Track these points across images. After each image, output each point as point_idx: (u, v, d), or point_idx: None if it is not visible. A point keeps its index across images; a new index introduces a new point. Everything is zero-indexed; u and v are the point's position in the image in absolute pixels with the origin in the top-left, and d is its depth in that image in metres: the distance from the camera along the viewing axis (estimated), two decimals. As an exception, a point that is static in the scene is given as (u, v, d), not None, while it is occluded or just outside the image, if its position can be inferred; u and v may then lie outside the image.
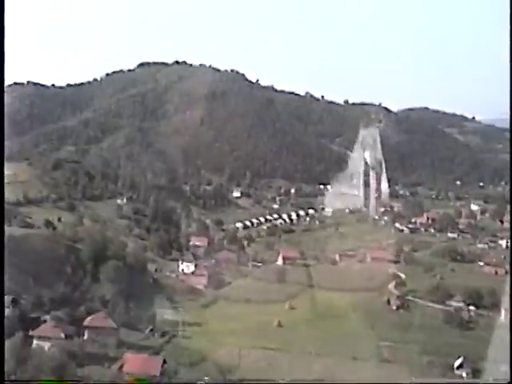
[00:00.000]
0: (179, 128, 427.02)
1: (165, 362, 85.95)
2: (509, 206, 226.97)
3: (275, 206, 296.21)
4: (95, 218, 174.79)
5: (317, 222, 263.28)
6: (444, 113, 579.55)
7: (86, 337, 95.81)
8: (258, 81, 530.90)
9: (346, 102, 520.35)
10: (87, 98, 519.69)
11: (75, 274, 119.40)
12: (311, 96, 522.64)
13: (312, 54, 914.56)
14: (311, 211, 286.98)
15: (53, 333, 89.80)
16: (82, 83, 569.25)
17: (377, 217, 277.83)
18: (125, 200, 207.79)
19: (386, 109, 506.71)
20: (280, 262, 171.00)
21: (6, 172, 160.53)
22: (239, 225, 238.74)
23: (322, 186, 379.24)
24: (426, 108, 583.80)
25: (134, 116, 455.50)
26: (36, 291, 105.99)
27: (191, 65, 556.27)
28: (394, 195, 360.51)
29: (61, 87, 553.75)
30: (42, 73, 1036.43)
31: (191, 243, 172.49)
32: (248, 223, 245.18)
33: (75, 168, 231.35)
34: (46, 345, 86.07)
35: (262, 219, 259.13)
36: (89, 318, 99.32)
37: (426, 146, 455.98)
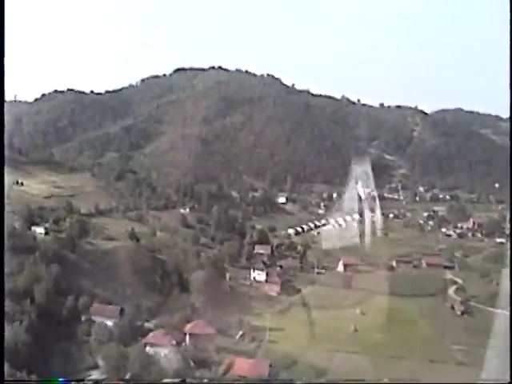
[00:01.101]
0: (219, 133, 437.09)
1: (270, 365, 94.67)
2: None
3: (320, 212, 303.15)
4: (164, 228, 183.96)
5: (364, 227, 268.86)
6: (478, 113, 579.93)
7: (187, 343, 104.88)
8: (293, 85, 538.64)
9: (382, 104, 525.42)
10: (126, 104, 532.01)
11: (164, 284, 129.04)
12: (347, 99, 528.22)
13: (346, 56, 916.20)
14: (356, 216, 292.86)
15: (164, 340, 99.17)
16: (120, 89, 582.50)
17: (422, 222, 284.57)
18: (187, 209, 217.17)
19: (421, 112, 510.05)
20: (340, 268, 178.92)
21: (73, 183, 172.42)
22: (291, 231, 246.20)
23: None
24: (460, 109, 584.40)
25: (175, 122, 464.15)
26: (135, 301, 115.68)
27: (227, 70, 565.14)
28: (434, 199, 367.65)
29: (99, 93, 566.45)
30: (77, 79, 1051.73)
31: (255, 251, 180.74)
32: (299, 229, 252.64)
33: (138, 178, 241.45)
34: (162, 351, 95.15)
35: (312, 225, 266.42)
36: (189, 325, 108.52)
37: (462, 149, 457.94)
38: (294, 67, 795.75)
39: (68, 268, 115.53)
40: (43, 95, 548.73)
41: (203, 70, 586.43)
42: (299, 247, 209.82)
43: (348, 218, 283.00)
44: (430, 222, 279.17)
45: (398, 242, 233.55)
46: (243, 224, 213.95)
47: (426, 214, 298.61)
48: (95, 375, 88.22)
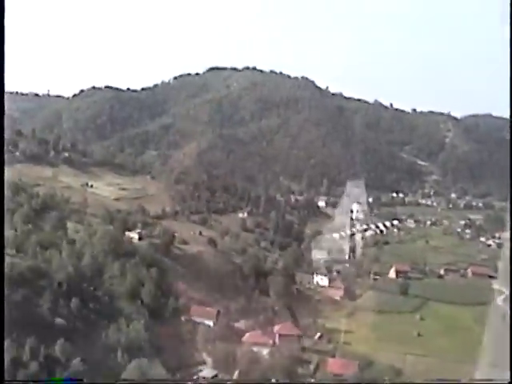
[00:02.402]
0: (256, 135, 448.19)
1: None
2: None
3: (360, 217, 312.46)
4: (227, 232, 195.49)
5: (404, 234, 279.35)
6: (508, 119, 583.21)
7: (277, 343, 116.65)
8: (327, 88, 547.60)
9: (414, 110, 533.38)
10: (162, 102, 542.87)
11: (245, 287, 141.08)
12: (380, 104, 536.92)
13: (378, 60, 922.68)
14: (396, 222, 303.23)
15: (262, 339, 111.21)
16: (154, 86, 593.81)
17: (459, 230, 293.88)
18: (246, 214, 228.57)
19: (453, 118, 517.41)
20: (392, 275, 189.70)
21: (135, 185, 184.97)
22: (336, 235, 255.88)
23: (394, 195, 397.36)
24: (490, 115, 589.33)
25: (212, 122, 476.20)
26: (225, 303, 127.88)
27: (262, 71, 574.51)
28: (468, 206, 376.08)
29: (135, 90, 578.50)
30: (110, 75, 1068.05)
31: (313, 256, 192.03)
32: (343, 234, 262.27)
33: (197, 182, 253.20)
34: (261, 350, 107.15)
35: (354, 230, 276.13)
36: (278, 327, 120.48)
37: (494, 155, 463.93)
38: (326, 70, 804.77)
39: (165, 272, 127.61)
40: (82, 91, 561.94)
41: (237, 69, 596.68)
42: (347, 251, 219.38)
43: (388, 223, 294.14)
44: (467, 231, 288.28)
45: (439, 249, 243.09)
46: (299, 229, 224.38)
47: (462, 223, 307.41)
48: (206, 371, 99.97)
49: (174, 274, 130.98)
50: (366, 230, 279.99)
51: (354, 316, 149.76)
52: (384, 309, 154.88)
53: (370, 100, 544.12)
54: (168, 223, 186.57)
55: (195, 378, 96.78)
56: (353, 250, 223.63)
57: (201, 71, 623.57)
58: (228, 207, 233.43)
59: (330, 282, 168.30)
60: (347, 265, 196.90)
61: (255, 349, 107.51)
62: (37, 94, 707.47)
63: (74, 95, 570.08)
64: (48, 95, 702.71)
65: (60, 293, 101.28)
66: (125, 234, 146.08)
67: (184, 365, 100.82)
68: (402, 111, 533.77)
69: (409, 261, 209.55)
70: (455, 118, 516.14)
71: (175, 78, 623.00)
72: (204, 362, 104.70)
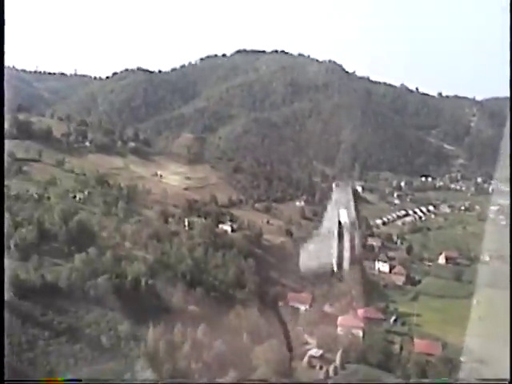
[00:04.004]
0: (289, 119, 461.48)
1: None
2: None
3: (396, 202, 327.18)
4: (290, 220, 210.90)
5: (442, 220, 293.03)
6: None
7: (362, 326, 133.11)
8: (354, 72, 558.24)
9: (440, 94, 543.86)
10: (192, 84, 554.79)
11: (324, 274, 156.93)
12: (406, 88, 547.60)
13: (404, 44, 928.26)
14: (431, 208, 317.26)
15: (354, 323, 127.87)
16: (182, 66, 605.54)
17: (492, 216, 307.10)
18: (303, 202, 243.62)
19: (478, 102, 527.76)
20: (442, 261, 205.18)
21: (198, 174, 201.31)
22: (379, 221, 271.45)
23: (423, 179, 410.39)
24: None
25: (244, 105, 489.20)
26: (311, 289, 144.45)
27: (290, 54, 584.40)
28: (495, 191, 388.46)
29: (165, 72, 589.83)
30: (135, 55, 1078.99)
31: (368, 243, 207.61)
32: (385, 219, 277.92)
33: (255, 171, 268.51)
34: (357, 332, 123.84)
35: (394, 215, 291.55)
36: (362, 311, 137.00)
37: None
38: (352, 53, 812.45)
39: (259, 262, 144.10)
40: (115, 73, 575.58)
41: (265, 52, 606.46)
42: (394, 238, 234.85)
43: (424, 209, 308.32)
44: (501, 216, 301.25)
45: (478, 236, 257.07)
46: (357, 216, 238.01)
47: (494, 208, 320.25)
48: (314, 350, 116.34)
49: (266, 263, 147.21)
50: (405, 216, 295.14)
51: (418, 300, 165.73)
52: (443, 294, 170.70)
53: (397, 84, 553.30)
54: (236, 212, 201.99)
55: (306, 356, 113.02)
56: (402, 236, 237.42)
57: (228, 53, 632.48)
58: (286, 196, 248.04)
59: (393, 269, 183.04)
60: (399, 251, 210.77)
61: (351, 331, 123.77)
62: (63, 74, 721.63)
63: (107, 77, 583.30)
64: (75, 75, 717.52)
65: (185, 283, 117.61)
66: (218, 226, 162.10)
67: (293, 345, 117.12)
68: (428, 95, 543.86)
69: (453, 247, 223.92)
70: (479, 102, 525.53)
71: (202, 59, 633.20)
72: (307, 343, 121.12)
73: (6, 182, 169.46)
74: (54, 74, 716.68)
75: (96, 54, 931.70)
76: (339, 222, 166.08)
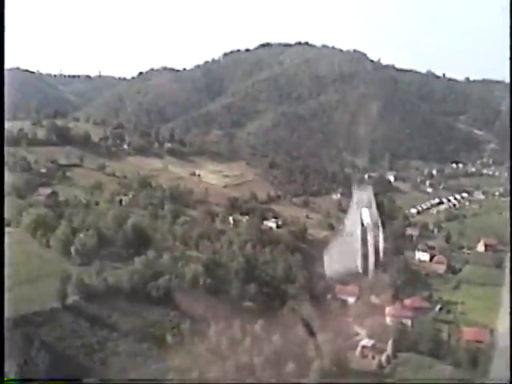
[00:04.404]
0: (316, 111, 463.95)
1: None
2: None
3: (429, 190, 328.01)
4: (328, 213, 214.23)
5: (477, 206, 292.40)
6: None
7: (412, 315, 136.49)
8: (379, 60, 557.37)
9: (468, 79, 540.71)
10: (217, 80, 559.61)
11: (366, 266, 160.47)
12: (433, 74, 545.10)
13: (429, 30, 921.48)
14: (465, 195, 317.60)
15: (403, 312, 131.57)
16: (206, 62, 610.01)
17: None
18: (339, 195, 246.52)
19: (508, 85, 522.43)
20: (481, 248, 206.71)
21: (234, 172, 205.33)
22: (413, 211, 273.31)
23: (454, 165, 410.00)
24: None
25: (271, 100, 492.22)
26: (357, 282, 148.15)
27: (314, 46, 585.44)
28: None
29: (189, 70, 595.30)
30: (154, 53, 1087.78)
31: (408, 233, 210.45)
32: (419, 208, 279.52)
33: (290, 166, 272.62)
34: (405, 321, 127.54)
35: (428, 204, 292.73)
36: (409, 301, 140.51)
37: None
38: (377, 42, 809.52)
39: (305, 256, 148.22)
40: (140, 73, 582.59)
41: (289, 45, 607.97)
42: (430, 226, 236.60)
43: (458, 196, 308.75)
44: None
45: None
46: (388, 206, 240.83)
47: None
48: (365, 340, 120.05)
49: (312, 258, 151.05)
50: (439, 204, 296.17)
51: (460, 288, 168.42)
52: (484, 281, 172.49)
53: (423, 71, 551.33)
54: (276, 208, 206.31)
55: (359, 346, 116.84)
56: (438, 225, 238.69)
57: (251, 47, 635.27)
58: (321, 189, 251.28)
59: (434, 258, 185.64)
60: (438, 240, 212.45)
61: (399, 320, 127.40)
62: (88, 76, 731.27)
63: (133, 78, 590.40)
64: (99, 76, 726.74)
65: (239, 280, 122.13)
66: (263, 222, 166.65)
67: (345, 336, 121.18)
68: (456, 81, 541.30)
69: (491, 234, 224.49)
70: (509, 85, 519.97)
71: (225, 54, 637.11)
72: (358, 333, 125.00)
73: (53, 188, 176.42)
74: (79, 76, 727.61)
75: (118, 55, 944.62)
76: (362, 223, 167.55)
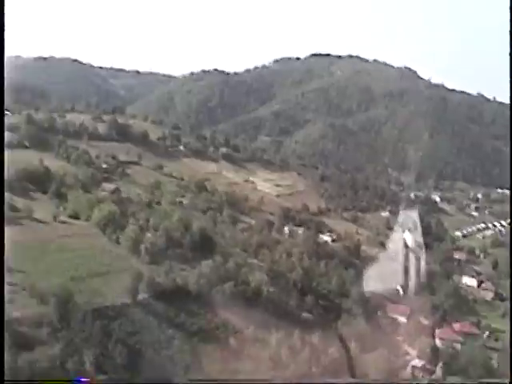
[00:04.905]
0: (365, 125, 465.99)
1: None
2: None
3: (474, 214, 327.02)
4: (377, 230, 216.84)
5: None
6: None
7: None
8: (430, 78, 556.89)
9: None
10: (267, 86, 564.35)
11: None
12: (482, 96, 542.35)
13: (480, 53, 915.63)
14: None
15: (453, 336, 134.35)
16: (256, 68, 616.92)
17: None
18: (387, 212, 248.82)
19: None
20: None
21: (286, 182, 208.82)
22: (458, 233, 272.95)
23: (499, 191, 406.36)
24: None
25: (320, 110, 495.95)
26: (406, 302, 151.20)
27: (365, 59, 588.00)
28: None
29: (240, 73, 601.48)
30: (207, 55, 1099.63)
31: (454, 256, 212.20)
32: (465, 232, 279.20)
33: (340, 179, 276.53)
34: (455, 345, 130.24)
35: (474, 228, 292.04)
36: (458, 325, 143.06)
37: None
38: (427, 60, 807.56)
39: (358, 272, 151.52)
40: (192, 73, 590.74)
41: (340, 57, 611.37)
42: (477, 251, 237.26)
43: (503, 222, 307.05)
44: None
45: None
46: (440, 228, 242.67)
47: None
48: (415, 361, 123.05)
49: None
50: (485, 229, 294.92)
51: (507, 316, 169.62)
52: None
53: (473, 92, 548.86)
54: (327, 221, 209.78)
55: (409, 366, 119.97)
56: (485, 250, 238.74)
57: (301, 56, 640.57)
58: (371, 205, 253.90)
59: (481, 284, 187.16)
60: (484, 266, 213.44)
61: (449, 344, 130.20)
62: (138, 71, 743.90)
63: (184, 76, 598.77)
64: (150, 73, 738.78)
65: (297, 291, 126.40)
66: (318, 235, 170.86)
67: (395, 355, 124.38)
68: (506, 104, 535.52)
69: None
70: None
71: (276, 61, 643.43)
72: (408, 353, 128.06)
73: (116, 184, 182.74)
74: (129, 71, 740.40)
75: (168, 52, 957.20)
76: (405, 245, 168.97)
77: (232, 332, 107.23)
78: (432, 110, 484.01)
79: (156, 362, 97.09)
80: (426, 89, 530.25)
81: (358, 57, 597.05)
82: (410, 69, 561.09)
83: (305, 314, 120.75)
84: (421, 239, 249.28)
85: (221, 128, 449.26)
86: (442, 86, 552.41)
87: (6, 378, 49.16)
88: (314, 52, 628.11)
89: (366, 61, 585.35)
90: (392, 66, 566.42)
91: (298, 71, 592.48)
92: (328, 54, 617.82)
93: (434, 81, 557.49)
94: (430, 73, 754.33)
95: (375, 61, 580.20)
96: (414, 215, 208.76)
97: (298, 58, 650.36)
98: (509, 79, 39.41)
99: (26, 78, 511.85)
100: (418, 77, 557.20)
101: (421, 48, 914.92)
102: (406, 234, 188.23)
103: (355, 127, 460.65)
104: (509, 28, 37.40)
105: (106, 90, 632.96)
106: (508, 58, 38.12)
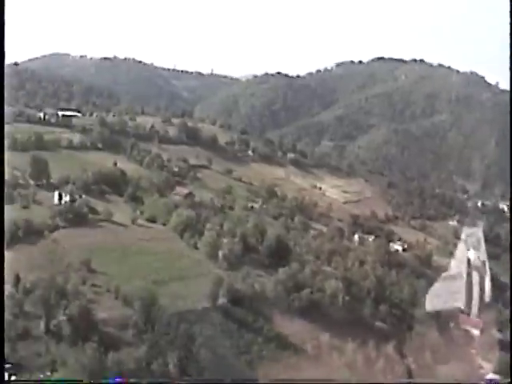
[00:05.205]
0: (429, 131, 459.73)
1: None
2: None
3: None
4: (447, 240, 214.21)
5: None
6: None
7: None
8: (497, 83, 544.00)
9: None
10: (330, 90, 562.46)
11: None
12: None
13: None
14: None
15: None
16: (318, 71, 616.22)
17: None
18: (455, 222, 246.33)
19: None
20: None
21: (353, 188, 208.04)
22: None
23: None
24: None
25: (384, 115, 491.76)
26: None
27: (430, 64, 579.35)
28: None
29: (303, 77, 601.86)
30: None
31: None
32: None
33: (408, 187, 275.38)
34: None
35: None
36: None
37: None
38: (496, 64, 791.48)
39: (429, 283, 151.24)
40: (255, 76, 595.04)
41: (404, 61, 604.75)
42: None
43: None
44: None
45: None
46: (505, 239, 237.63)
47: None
48: (490, 375, 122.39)
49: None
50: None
51: None
52: None
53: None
54: (395, 229, 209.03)
55: (484, 380, 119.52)
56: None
57: (364, 59, 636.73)
58: (438, 214, 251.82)
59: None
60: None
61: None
62: (200, 73, 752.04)
63: (247, 80, 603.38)
64: (212, 74, 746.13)
65: (371, 299, 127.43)
66: (389, 244, 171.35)
67: (470, 368, 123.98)
68: None
69: None
70: None
71: (338, 64, 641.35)
72: (482, 367, 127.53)
73: (188, 188, 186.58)
74: (191, 73, 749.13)
75: (229, 54, 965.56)
76: (468, 263, 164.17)
77: (308, 339, 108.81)
78: (499, 117, 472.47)
79: (236, 367, 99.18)
80: (494, 95, 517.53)
81: (422, 61, 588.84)
82: (476, 74, 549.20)
83: (378, 323, 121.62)
84: (485, 257, 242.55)
85: (284, 131, 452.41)
86: (509, 92, 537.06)
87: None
88: (377, 56, 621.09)
89: (431, 65, 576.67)
90: (457, 71, 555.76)
91: (361, 75, 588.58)
92: (392, 58, 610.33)
93: (502, 86, 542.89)
94: (498, 78, 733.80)
95: (440, 65, 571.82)
96: (477, 232, 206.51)
97: (360, 62, 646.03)
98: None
99: (94, 79, 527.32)
100: (485, 82, 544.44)
101: (489, 52, 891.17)
102: (470, 252, 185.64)
103: (419, 133, 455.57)
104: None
105: (170, 92, 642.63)
106: None
